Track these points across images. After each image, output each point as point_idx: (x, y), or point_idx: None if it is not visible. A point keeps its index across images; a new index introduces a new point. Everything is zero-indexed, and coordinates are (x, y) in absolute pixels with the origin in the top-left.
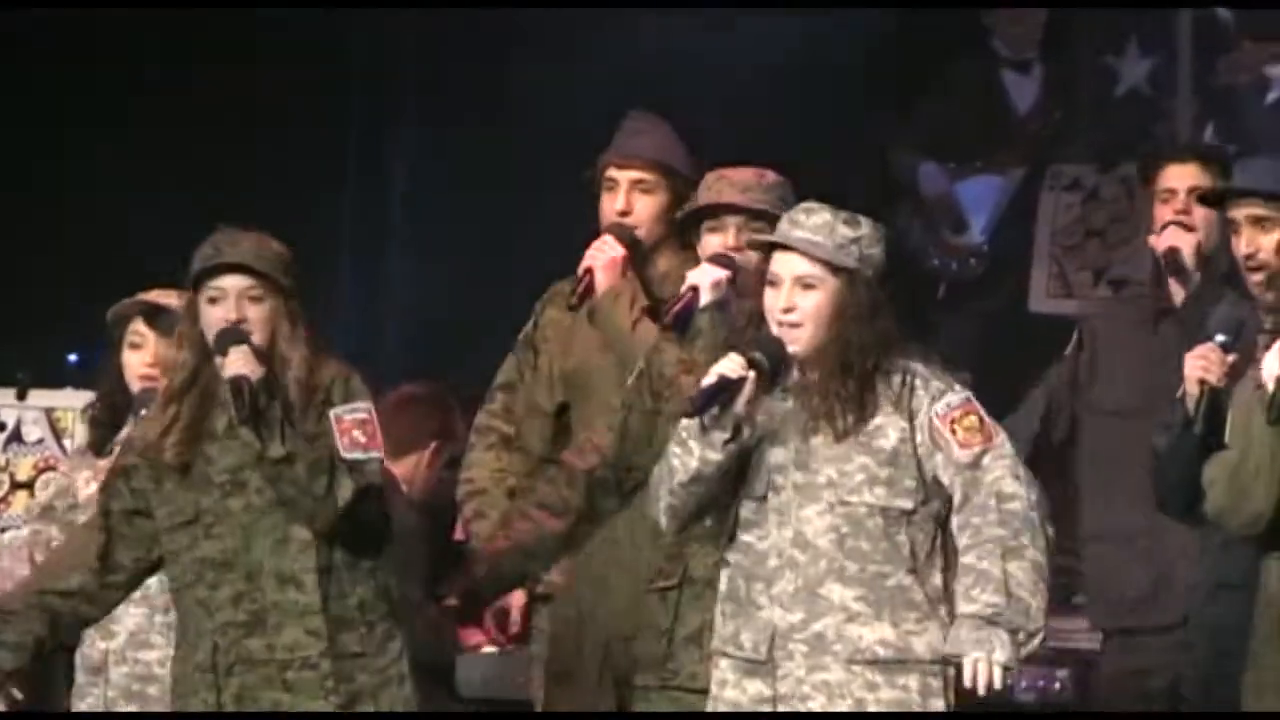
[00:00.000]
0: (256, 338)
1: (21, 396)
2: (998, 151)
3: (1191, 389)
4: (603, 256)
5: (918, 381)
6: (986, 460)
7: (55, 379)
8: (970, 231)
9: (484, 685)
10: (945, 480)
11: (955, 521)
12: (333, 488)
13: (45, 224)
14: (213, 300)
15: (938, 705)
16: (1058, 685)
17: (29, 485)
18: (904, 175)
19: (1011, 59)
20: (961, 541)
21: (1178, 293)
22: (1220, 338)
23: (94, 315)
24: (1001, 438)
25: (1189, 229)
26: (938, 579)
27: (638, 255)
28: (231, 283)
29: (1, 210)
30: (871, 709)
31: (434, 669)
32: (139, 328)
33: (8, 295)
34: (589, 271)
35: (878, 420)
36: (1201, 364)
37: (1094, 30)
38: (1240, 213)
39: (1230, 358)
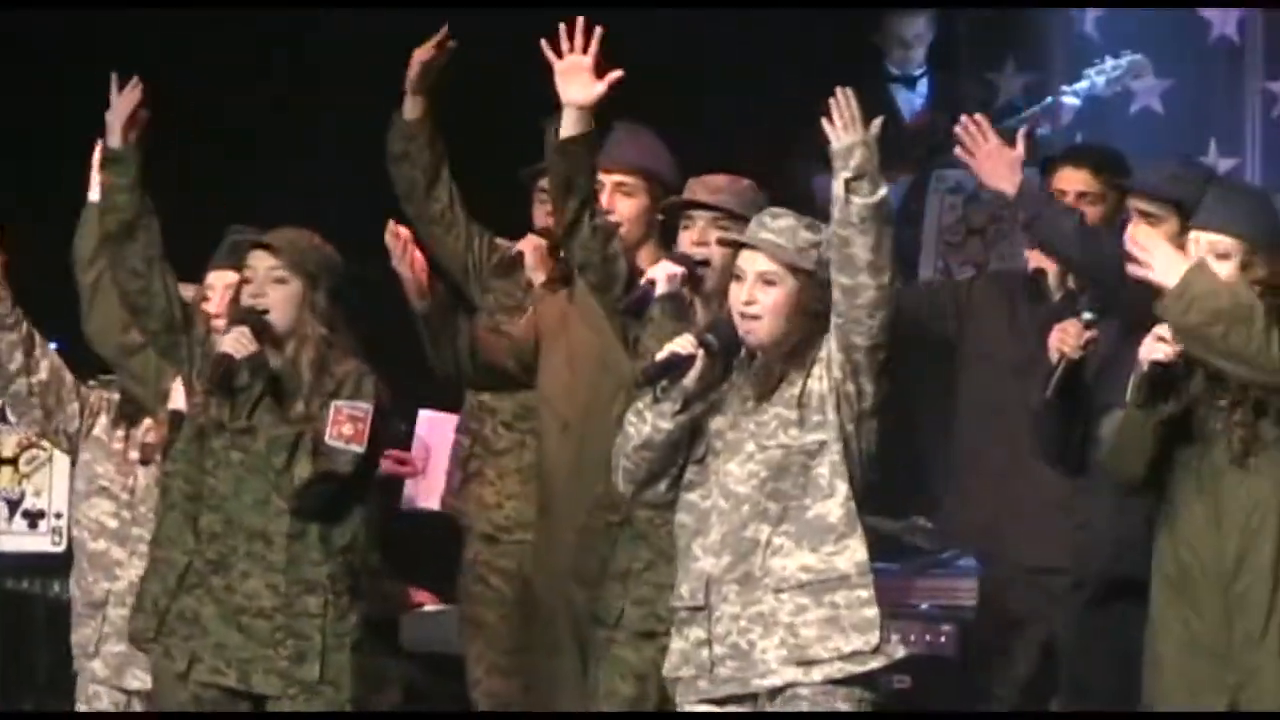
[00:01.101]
0: (275, 316)
1: None
2: (887, 159)
3: (1051, 358)
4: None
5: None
6: None
7: None
8: None
9: (425, 640)
10: (834, 342)
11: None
12: (290, 465)
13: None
14: (246, 279)
15: (869, 614)
16: (943, 639)
17: (14, 461)
18: (802, 183)
19: (900, 76)
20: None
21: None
22: (1087, 315)
23: (73, 306)
24: None
25: None
26: (849, 500)
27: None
28: (259, 262)
29: None
30: (803, 632)
31: (381, 627)
32: None
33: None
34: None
35: (792, 375)
36: (1060, 336)
37: (975, 49)
38: (1135, 206)
39: (1091, 333)
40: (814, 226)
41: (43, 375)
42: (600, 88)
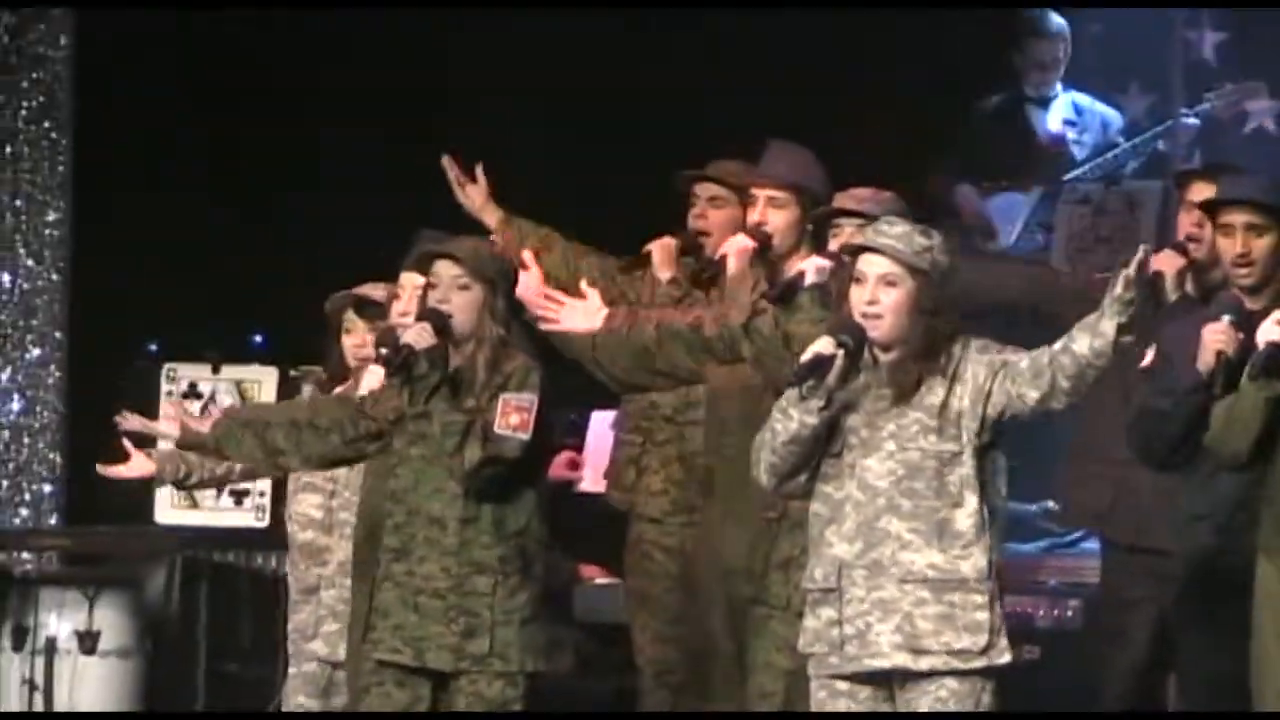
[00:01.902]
0: (459, 318)
1: (216, 370)
2: (1021, 172)
3: (1209, 358)
4: (735, 245)
5: (960, 350)
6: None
7: (243, 356)
8: (999, 239)
9: (595, 611)
10: (994, 383)
11: (1021, 369)
12: (461, 449)
13: (234, 223)
14: (431, 286)
15: (981, 617)
16: (1070, 613)
17: None
18: (944, 193)
19: (1035, 97)
20: (1027, 363)
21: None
22: (1228, 317)
23: (275, 302)
24: None
25: (1183, 252)
26: (980, 511)
27: (766, 253)
28: (444, 270)
29: (196, 212)
30: (919, 622)
31: (555, 599)
32: (351, 316)
33: (204, 286)
34: (724, 256)
35: (929, 384)
36: (1220, 338)
37: (1104, 73)
38: (1235, 219)
39: (1240, 334)
40: (926, 232)
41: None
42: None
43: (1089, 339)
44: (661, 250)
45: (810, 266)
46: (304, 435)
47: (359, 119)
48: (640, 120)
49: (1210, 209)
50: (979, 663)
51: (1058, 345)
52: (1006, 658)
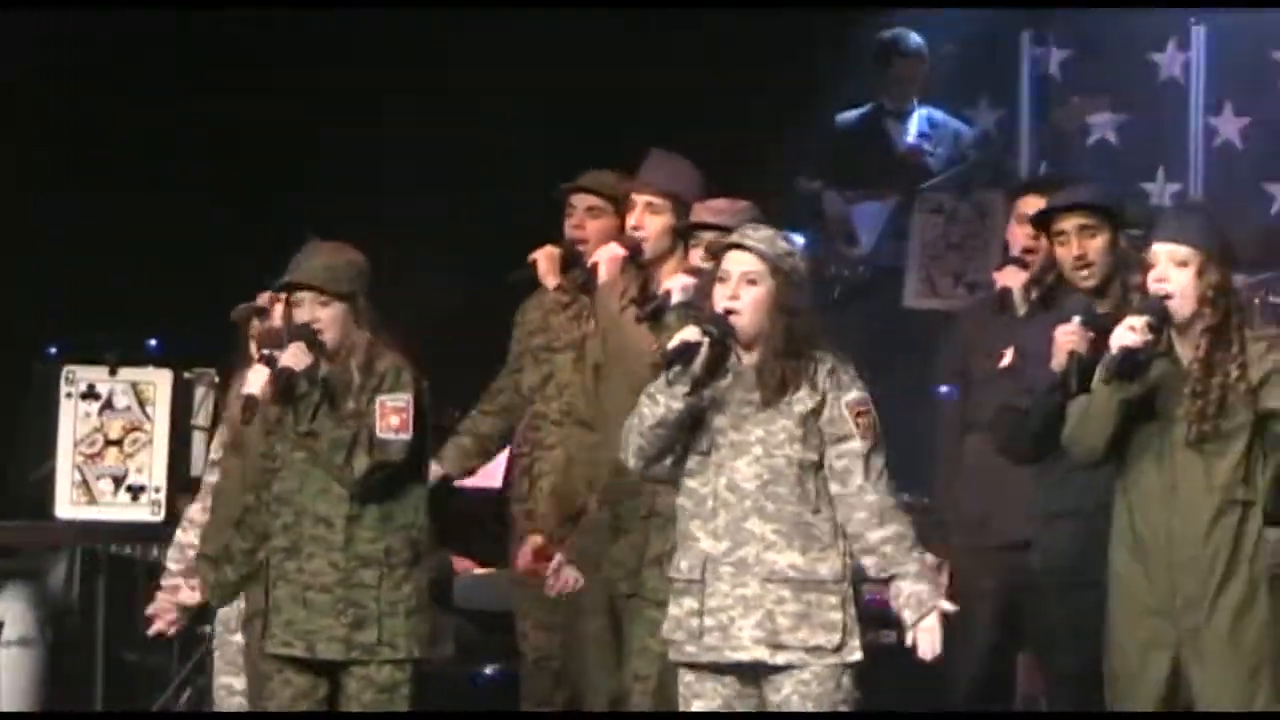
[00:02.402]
0: (326, 333)
1: (113, 372)
2: (880, 182)
3: (1061, 359)
4: (606, 253)
5: (829, 369)
6: (874, 454)
7: (140, 359)
8: (860, 245)
9: (476, 600)
10: (837, 454)
11: (851, 491)
12: (350, 460)
13: (130, 232)
14: (294, 304)
15: (835, 617)
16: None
17: (119, 442)
18: (809, 200)
19: (893, 111)
20: (862, 508)
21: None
22: (1078, 319)
23: (169, 307)
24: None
25: (1025, 267)
26: (832, 519)
27: (638, 260)
28: (306, 293)
29: (94, 219)
30: (779, 619)
31: (437, 589)
32: (255, 323)
33: (103, 291)
34: (595, 264)
35: (798, 394)
36: (1071, 338)
37: (956, 89)
38: (1067, 225)
39: (1090, 334)
40: (788, 238)
41: None
42: None
43: (874, 560)
44: (546, 259)
45: (676, 285)
46: (253, 520)
47: (251, 124)
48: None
49: (1043, 221)
50: (831, 659)
51: (866, 527)
52: (857, 655)
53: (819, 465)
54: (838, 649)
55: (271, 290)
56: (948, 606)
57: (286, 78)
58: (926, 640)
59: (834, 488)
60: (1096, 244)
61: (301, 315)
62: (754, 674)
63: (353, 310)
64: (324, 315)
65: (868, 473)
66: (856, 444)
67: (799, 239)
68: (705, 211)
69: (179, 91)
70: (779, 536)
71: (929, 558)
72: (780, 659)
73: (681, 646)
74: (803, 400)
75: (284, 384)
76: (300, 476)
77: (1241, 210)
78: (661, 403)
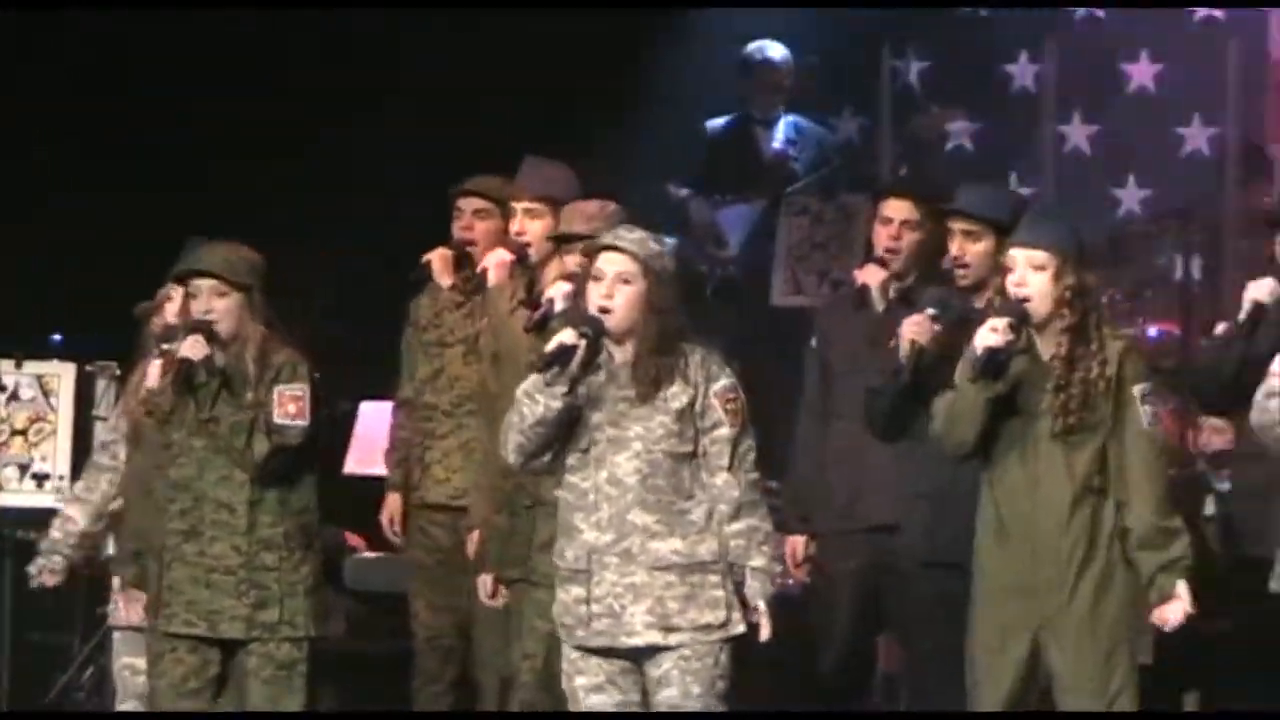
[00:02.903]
0: (222, 324)
1: (19, 365)
2: (748, 186)
3: (905, 347)
4: (494, 258)
5: (700, 362)
6: (741, 439)
7: (44, 353)
8: (728, 247)
9: (367, 581)
10: (710, 440)
11: (719, 478)
12: (250, 445)
13: (35, 231)
14: (192, 295)
15: (718, 594)
16: (790, 581)
17: (24, 432)
18: (679, 206)
19: (761, 119)
20: (725, 500)
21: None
22: (930, 311)
23: (72, 304)
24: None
25: (883, 265)
26: (705, 502)
27: (525, 262)
28: (201, 281)
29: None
30: (669, 603)
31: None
32: (155, 319)
33: (8, 288)
34: (484, 269)
35: (672, 389)
36: (915, 329)
37: (820, 98)
38: (956, 225)
39: (936, 326)
40: (659, 240)
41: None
42: None
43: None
44: (440, 260)
45: (558, 294)
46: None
47: (157, 122)
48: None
49: (941, 218)
50: (718, 635)
51: (724, 518)
52: (741, 628)
53: (693, 455)
54: (724, 625)
55: (171, 277)
56: (763, 608)
57: (188, 76)
58: (758, 629)
59: (703, 475)
60: (977, 248)
61: (198, 306)
62: (635, 652)
63: (248, 303)
64: (220, 305)
65: (734, 458)
66: (725, 430)
67: (669, 240)
68: (577, 216)
69: (78, 89)
70: (661, 526)
71: (787, 545)
72: (673, 640)
73: (572, 631)
74: (677, 395)
75: (183, 374)
76: (200, 464)
77: (1089, 213)
78: (541, 402)
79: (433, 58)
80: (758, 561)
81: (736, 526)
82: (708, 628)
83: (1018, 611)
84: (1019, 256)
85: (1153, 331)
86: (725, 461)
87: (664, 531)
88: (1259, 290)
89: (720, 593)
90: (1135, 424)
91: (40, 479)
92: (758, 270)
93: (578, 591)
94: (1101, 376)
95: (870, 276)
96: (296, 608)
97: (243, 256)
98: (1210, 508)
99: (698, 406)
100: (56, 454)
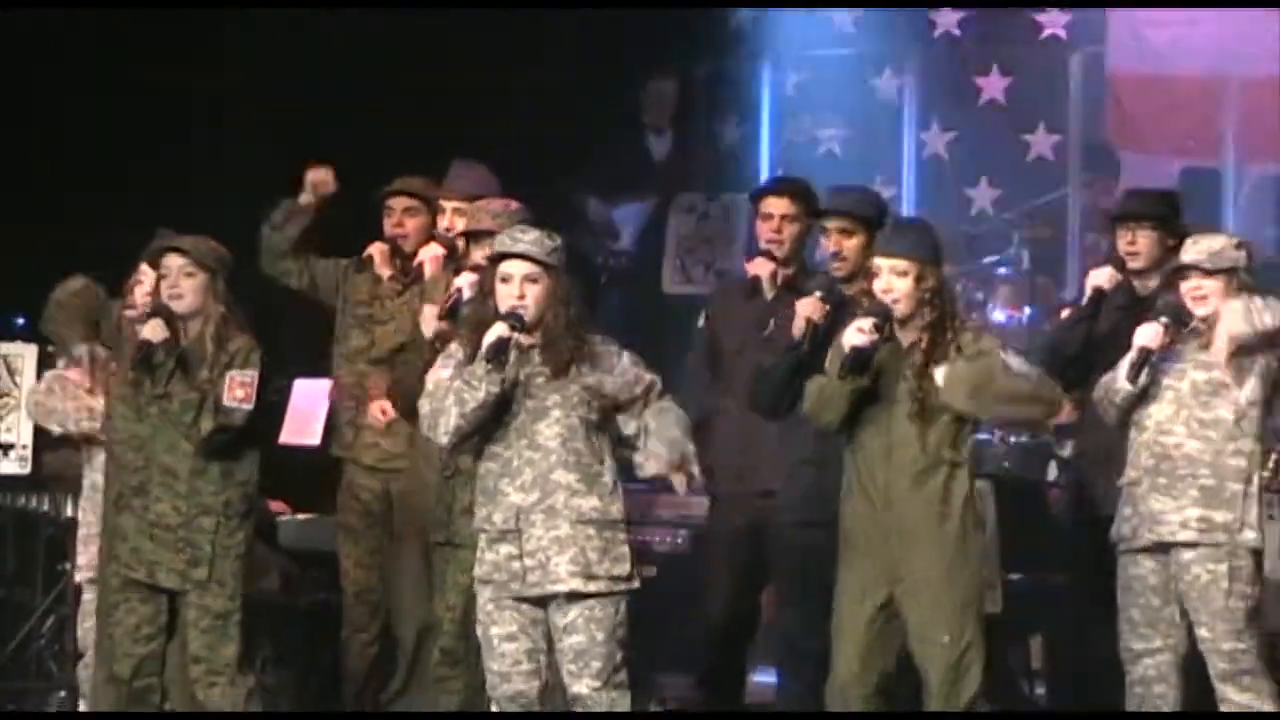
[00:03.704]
0: (187, 299)
1: None
2: (641, 187)
3: (800, 323)
4: (429, 253)
5: (600, 343)
6: (655, 387)
7: (8, 335)
8: (623, 240)
9: (301, 541)
10: (640, 390)
11: (649, 411)
12: (197, 421)
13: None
14: (162, 276)
15: (625, 550)
16: (680, 541)
17: None
18: (578, 204)
19: (651, 126)
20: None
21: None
22: (819, 294)
23: (35, 289)
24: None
25: (772, 257)
26: (614, 468)
27: (455, 255)
28: (172, 261)
29: None
30: (589, 554)
31: (263, 531)
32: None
33: None
34: (420, 263)
35: (583, 368)
36: (809, 309)
37: (708, 108)
38: (832, 224)
39: (826, 307)
40: (553, 236)
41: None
42: None
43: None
44: (380, 253)
45: (465, 283)
46: None
47: (115, 110)
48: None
49: (818, 217)
50: (625, 586)
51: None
52: (638, 583)
53: (601, 426)
54: (629, 578)
55: (144, 257)
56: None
57: (136, 70)
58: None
59: (631, 427)
60: (851, 243)
61: (168, 283)
62: (543, 603)
63: (212, 285)
64: (186, 284)
65: (654, 394)
66: (646, 378)
67: (557, 236)
68: (484, 214)
69: (44, 77)
70: (581, 484)
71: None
72: (592, 587)
73: (505, 585)
74: (586, 374)
75: (143, 353)
76: (154, 428)
77: (946, 212)
78: (481, 388)
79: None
80: (676, 433)
81: (662, 421)
82: (618, 578)
83: (876, 568)
84: (884, 265)
85: (1002, 317)
86: (650, 398)
87: (584, 490)
88: (1099, 277)
89: (626, 549)
90: (999, 360)
91: (5, 448)
92: (649, 261)
93: (508, 549)
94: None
95: (761, 268)
96: (226, 569)
97: (211, 245)
98: (1054, 473)
99: (609, 382)
100: (20, 426)
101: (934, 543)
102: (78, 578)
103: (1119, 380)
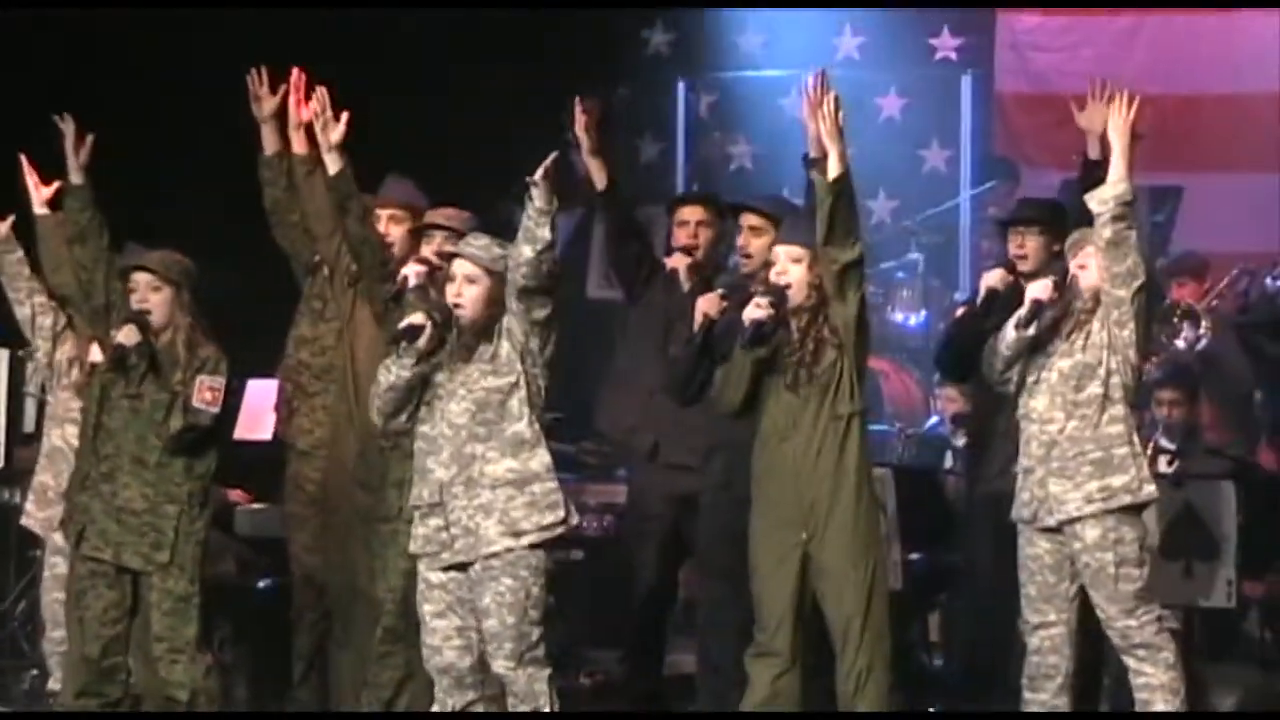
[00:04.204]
0: (155, 313)
1: None
2: (568, 200)
3: (699, 319)
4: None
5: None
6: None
7: None
8: None
9: (254, 528)
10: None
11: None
12: (167, 420)
13: None
14: (130, 289)
15: (556, 497)
16: (606, 524)
17: None
18: (507, 214)
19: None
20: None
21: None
22: (721, 290)
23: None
24: None
25: (688, 253)
26: (534, 421)
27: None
28: (140, 277)
29: None
30: (514, 513)
31: (219, 519)
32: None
33: None
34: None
35: (489, 345)
36: (707, 304)
37: (627, 127)
38: (746, 222)
39: (725, 303)
40: (502, 245)
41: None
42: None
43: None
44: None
45: (411, 272)
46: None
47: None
48: None
49: (735, 213)
50: (562, 529)
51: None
52: (576, 518)
53: (515, 384)
54: (563, 521)
55: (114, 274)
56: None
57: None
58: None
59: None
60: (759, 242)
61: (136, 297)
62: (464, 571)
63: (178, 298)
64: (154, 298)
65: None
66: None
67: (508, 246)
68: (439, 215)
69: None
70: (494, 451)
71: None
72: (524, 541)
73: (436, 556)
74: (493, 348)
75: (117, 355)
76: (125, 421)
77: None
78: (393, 371)
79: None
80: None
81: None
82: (550, 526)
83: (787, 535)
84: (780, 252)
85: (900, 317)
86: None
87: (497, 455)
88: (991, 279)
89: (557, 495)
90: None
91: None
92: (575, 268)
93: (436, 522)
94: (829, 336)
95: (678, 262)
96: (187, 554)
97: (176, 259)
98: (950, 461)
99: (506, 342)
100: None
101: (835, 505)
102: (23, 521)
103: (1009, 331)
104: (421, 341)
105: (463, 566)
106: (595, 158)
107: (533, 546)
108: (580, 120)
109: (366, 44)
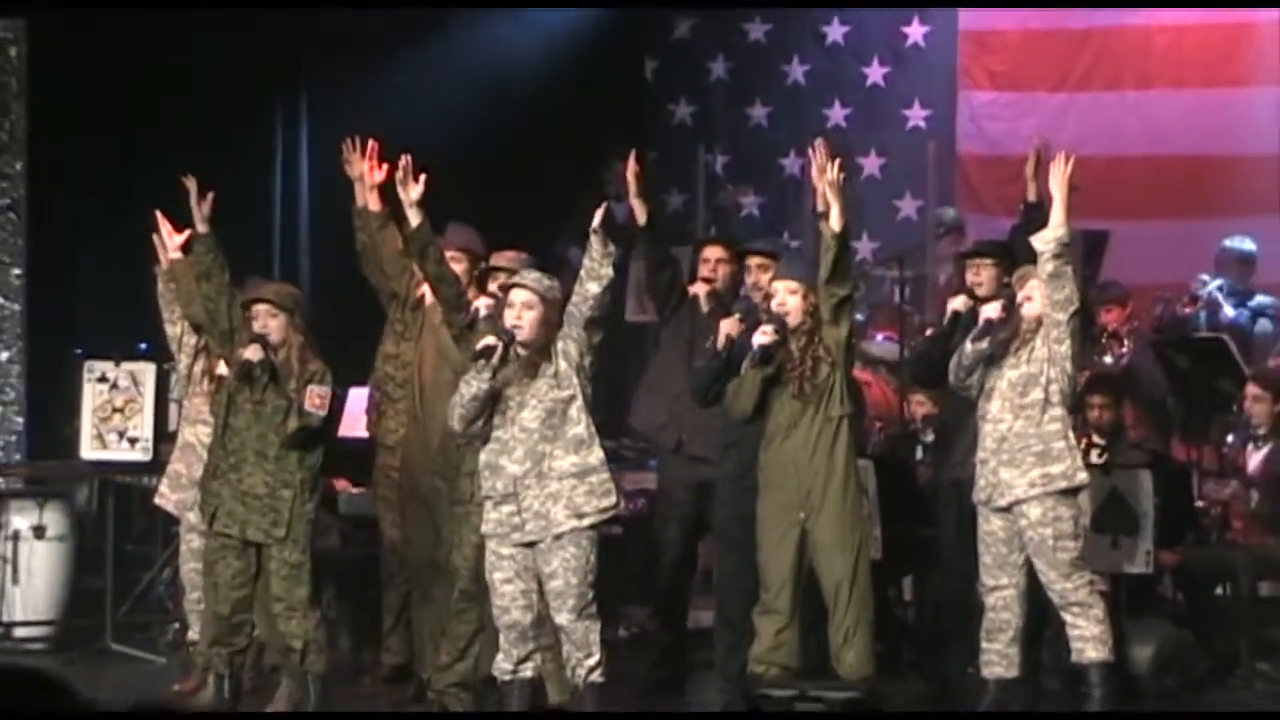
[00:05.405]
0: (273, 334)
1: (117, 365)
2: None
3: (722, 338)
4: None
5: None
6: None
7: (134, 355)
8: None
9: (354, 509)
10: (576, 315)
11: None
12: (285, 421)
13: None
14: (252, 316)
15: (610, 486)
16: (640, 505)
17: (122, 409)
18: (563, 254)
19: (616, 196)
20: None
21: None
22: (738, 315)
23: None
24: None
25: (709, 283)
26: (590, 425)
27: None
28: (261, 305)
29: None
30: (578, 499)
31: (326, 501)
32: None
33: (113, 312)
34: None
35: (550, 364)
36: (730, 326)
37: (657, 181)
38: (753, 261)
39: (742, 325)
40: (552, 278)
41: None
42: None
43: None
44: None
45: (482, 304)
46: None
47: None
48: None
49: (743, 257)
50: (615, 512)
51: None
52: (624, 505)
53: (573, 397)
54: (615, 505)
55: (240, 303)
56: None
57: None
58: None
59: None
60: (768, 276)
61: (257, 324)
62: (531, 546)
63: (291, 321)
64: (271, 323)
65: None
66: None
67: (556, 281)
68: (500, 258)
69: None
70: (561, 450)
71: None
72: (585, 522)
73: (508, 536)
74: (553, 364)
75: (244, 369)
76: (249, 422)
77: None
78: (474, 384)
79: None
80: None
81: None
82: (604, 509)
83: (788, 515)
84: (780, 286)
85: (880, 338)
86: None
87: (561, 453)
88: (956, 303)
89: (611, 484)
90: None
91: (133, 441)
92: (615, 296)
93: (509, 509)
94: (825, 354)
95: (699, 289)
96: (300, 529)
97: (288, 290)
98: (920, 454)
99: (563, 363)
100: (143, 425)
101: (828, 490)
102: (156, 500)
103: (968, 345)
104: (495, 358)
105: (528, 543)
106: (638, 199)
107: (592, 526)
108: (631, 168)
109: (433, 123)
